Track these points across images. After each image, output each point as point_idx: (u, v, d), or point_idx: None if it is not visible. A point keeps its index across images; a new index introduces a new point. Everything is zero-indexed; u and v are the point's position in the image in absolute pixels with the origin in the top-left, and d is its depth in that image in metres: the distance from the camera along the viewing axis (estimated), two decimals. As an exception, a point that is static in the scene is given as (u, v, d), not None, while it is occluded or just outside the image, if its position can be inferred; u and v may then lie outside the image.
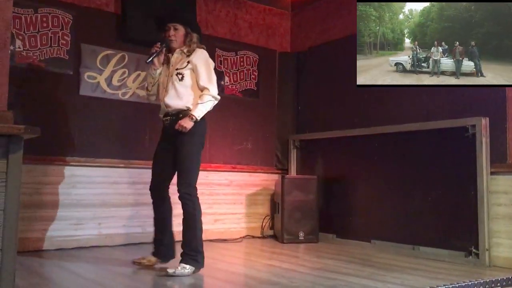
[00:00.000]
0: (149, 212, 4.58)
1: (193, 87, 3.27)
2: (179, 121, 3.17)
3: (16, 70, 4.03)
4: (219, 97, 3.29)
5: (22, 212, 3.86)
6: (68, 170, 4.21)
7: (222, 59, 5.27)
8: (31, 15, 4.12)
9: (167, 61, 3.40)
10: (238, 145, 5.29)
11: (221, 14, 5.27)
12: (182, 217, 3.26)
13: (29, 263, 3.45)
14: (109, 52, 4.52)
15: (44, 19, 4.19)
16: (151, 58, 3.30)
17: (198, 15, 5.00)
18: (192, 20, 3.44)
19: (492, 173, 3.73)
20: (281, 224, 4.89)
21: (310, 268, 3.47)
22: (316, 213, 4.94)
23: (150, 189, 3.42)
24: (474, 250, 3.73)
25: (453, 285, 2.84)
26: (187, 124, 3.14)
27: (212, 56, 5.10)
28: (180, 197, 3.21)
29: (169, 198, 3.46)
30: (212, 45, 5.12)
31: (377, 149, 4.62)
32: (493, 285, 3.06)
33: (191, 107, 3.22)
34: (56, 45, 4.23)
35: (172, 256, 3.44)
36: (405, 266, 3.55)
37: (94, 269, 3.49)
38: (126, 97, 4.61)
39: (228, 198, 5.16)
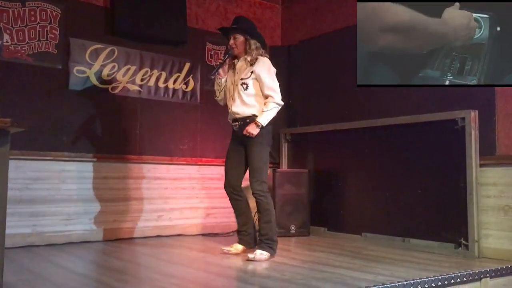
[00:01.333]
0: (140, 207, 4.62)
1: (257, 95, 3.56)
2: (246, 128, 3.49)
3: (4, 65, 3.99)
4: (282, 103, 3.57)
5: (12, 208, 3.84)
6: (58, 165, 4.18)
7: (212, 53, 5.24)
8: (19, 8, 4.07)
9: (233, 67, 3.69)
10: (230, 139, 5.27)
11: (211, 7, 5.24)
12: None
13: (19, 258, 3.43)
14: (98, 46, 4.48)
15: (32, 12, 4.14)
16: (215, 71, 3.68)
17: (188, 8, 4.97)
18: (250, 28, 3.65)
19: (481, 165, 3.75)
20: (272, 218, 4.89)
21: (301, 261, 3.48)
22: (307, 206, 4.95)
23: (224, 187, 3.75)
24: (463, 242, 3.76)
25: (442, 276, 2.87)
26: (254, 130, 3.47)
27: (202, 50, 5.15)
28: (254, 194, 3.54)
29: (242, 192, 3.75)
30: (202, 39, 5.11)
31: (368, 142, 4.63)
32: (482, 276, 3.10)
33: (257, 114, 3.52)
34: (45, 39, 4.19)
35: (254, 244, 3.71)
36: (396, 258, 3.58)
37: (85, 264, 3.49)
38: (116, 91, 4.58)
39: (219, 192, 5.04)
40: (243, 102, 3.55)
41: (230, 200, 3.76)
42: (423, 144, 4.15)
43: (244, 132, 3.49)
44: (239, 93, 3.55)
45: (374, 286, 2.58)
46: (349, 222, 4.74)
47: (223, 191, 5.15)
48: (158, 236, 4.65)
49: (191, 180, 4.97)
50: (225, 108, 5.28)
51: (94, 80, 4.45)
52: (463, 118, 3.81)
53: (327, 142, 5.08)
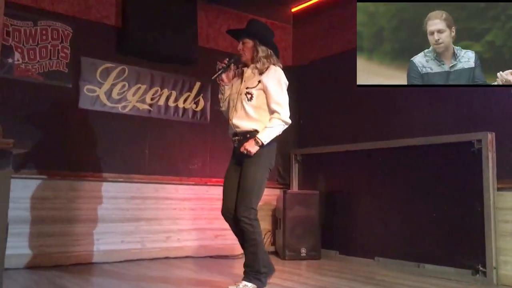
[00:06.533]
0: (148, 227, 4.55)
1: (263, 108, 3.08)
2: (244, 144, 3.01)
3: (15, 83, 3.99)
4: (289, 121, 3.08)
5: (19, 228, 3.80)
6: (66, 185, 4.13)
7: (223, 72, 5.21)
8: (31, 27, 4.09)
9: (241, 75, 3.26)
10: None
11: (222, 27, 5.23)
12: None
13: (25, 281, 3.36)
14: (109, 65, 4.48)
15: (44, 32, 4.15)
16: (216, 75, 3.23)
17: (199, 28, 4.96)
18: (261, 33, 3.24)
19: (499, 189, 3.64)
20: (282, 240, 4.79)
21: (312, 286, 3.38)
22: (318, 229, 4.84)
23: (222, 214, 3.22)
24: (481, 268, 3.63)
25: (460, 306, 2.75)
26: (252, 148, 2.98)
27: (213, 69, 5.10)
28: (238, 220, 3.03)
29: None
30: (213, 58, 5.08)
31: (381, 164, 4.54)
32: (501, 305, 2.96)
33: (259, 129, 3.05)
34: (56, 58, 4.19)
35: (272, 269, 3.24)
36: (410, 285, 3.45)
37: (89, 286, 3.40)
38: (126, 110, 4.56)
39: (229, 213, 5.06)
40: (245, 114, 3.07)
41: (231, 228, 3.20)
42: (438, 166, 4.05)
43: (242, 149, 3.01)
44: (242, 103, 3.09)
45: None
46: (361, 246, 4.61)
47: (233, 212, 5.12)
48: (166, 257, 4.56)
49: (200, 201, 4.90)
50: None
51: (104, 99, 4.43)
52: (480, 140, 3.72)
53: (338, 163, 4.99)
